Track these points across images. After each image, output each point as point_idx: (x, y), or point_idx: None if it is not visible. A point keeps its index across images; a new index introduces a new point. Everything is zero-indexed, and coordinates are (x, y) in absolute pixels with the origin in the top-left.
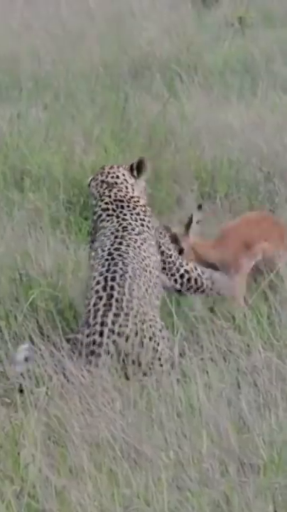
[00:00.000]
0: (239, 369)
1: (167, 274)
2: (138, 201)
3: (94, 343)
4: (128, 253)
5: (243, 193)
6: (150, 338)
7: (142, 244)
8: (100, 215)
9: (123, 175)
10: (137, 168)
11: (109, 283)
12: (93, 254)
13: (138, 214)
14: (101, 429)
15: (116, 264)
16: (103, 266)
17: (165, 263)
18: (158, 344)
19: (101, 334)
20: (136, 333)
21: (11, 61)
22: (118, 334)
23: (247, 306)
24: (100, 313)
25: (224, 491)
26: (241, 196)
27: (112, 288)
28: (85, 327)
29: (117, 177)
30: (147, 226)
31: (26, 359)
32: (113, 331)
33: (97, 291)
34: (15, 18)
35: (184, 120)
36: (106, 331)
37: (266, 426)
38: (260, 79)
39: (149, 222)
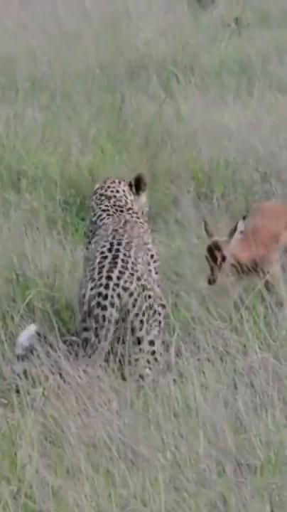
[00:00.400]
0: (235, 369)
1: None
2: (136, 212)
3: (99, 295)
4: (132, 231)
5: (239, 193)
6: (146, 308)
7: (144, 233)
8: (100, 215)
9: (123, 191)
10: (136, 185)
11: (115, 247)
12: (95, 239)
13: (138, 218)
14: (97, 430)
15: (122, 235)
16: (108, 236)
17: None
18: (153, 314)
19: (106, 287)
20: (139, 294)
21: (7, 62)
22: (123, 289)
23: (243, 307)
24: (105, 269)
25: (221, 492)
26: (238, 197)
27: (118, 250)
28: (89, 282)
29: (117, 191)
30: (146, 230)
31: (27, 347)
32: (118, 285)
33: (103, 252)
34: (11, 19)
35: (180, 121)
36: (111, 284)
37: (262, 426)
38: (256, 79)
39: (148, 228)
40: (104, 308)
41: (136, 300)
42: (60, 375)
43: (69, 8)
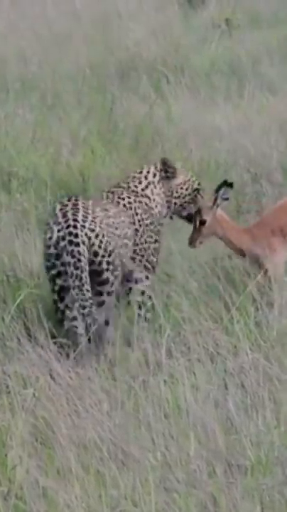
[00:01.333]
0: (226, 370)
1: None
2: (136, 191)
3: (70, 234)
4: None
5: (230, 194)
6: (110, 252)
7: (111, 208)
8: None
9: (148, 172)
10: (163, 170)
11: (73, 198)
12: None
13: (122, 198)
14: (88, 431)
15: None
16: None
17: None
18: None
19: (75, 227)
20: (103, 236)
21: None
22: (90, 230)
23: (234, 307)
24: (70, 213)
25: (211, 492)
26: (229, 197)
27: (77, 200)
28: (54, 226)
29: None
30: (126, 207)
31: None
32: (84, 226)
33: (62, 202)
34: (1, 19)
35: (171, 122)
36: (78, 225)
37: (253, 427)
38: (247, 80)
39: (134, 207)
40: (77, 245)
41: (101, 242)
42: (51, 375)
43: (59, 9)
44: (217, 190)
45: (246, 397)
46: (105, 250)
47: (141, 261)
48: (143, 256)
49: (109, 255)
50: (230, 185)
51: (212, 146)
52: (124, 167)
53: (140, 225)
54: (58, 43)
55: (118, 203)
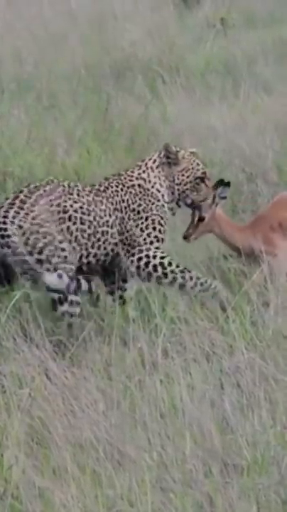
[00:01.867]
0: (222, 370)
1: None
2: (132, 178)
3: (0, 230)
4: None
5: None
6: (43, 245)
7: (88, 194)
8: None
9: (149, 159)
10: (165, 156)
11: (18, 192)
12: None
13: (110, 186)
14: (84, 430)
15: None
16: None
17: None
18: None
19: (4, 223)
20: (31, 233)
21: None
22: (19, 227)
23: (230, 307)
24: (4, 209)
25: (207, 492)
26: (227, 196)
27: (21, 192)
28: None
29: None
30: (113, 193)
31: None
32: (13, 223)
33: (7, 198)
34: None
35: (166, 121)
36: (8, 221)
37: (249, 427)
38: (242, 80)
39: (120, 194)
40: (8, 236)
41: (28, 239)
42: (47, 375)
43: (55, 9)
44: (215, 189)
45: (242, 396)
46: (33, 247)
47: (132, 246)
48: (134, 241)
49: (40, 252)
50: (227, 184)
51: (207, 145)
52: (120, 167)
53: (126, 212)
54: (54, 43)
55: (106, 189)
